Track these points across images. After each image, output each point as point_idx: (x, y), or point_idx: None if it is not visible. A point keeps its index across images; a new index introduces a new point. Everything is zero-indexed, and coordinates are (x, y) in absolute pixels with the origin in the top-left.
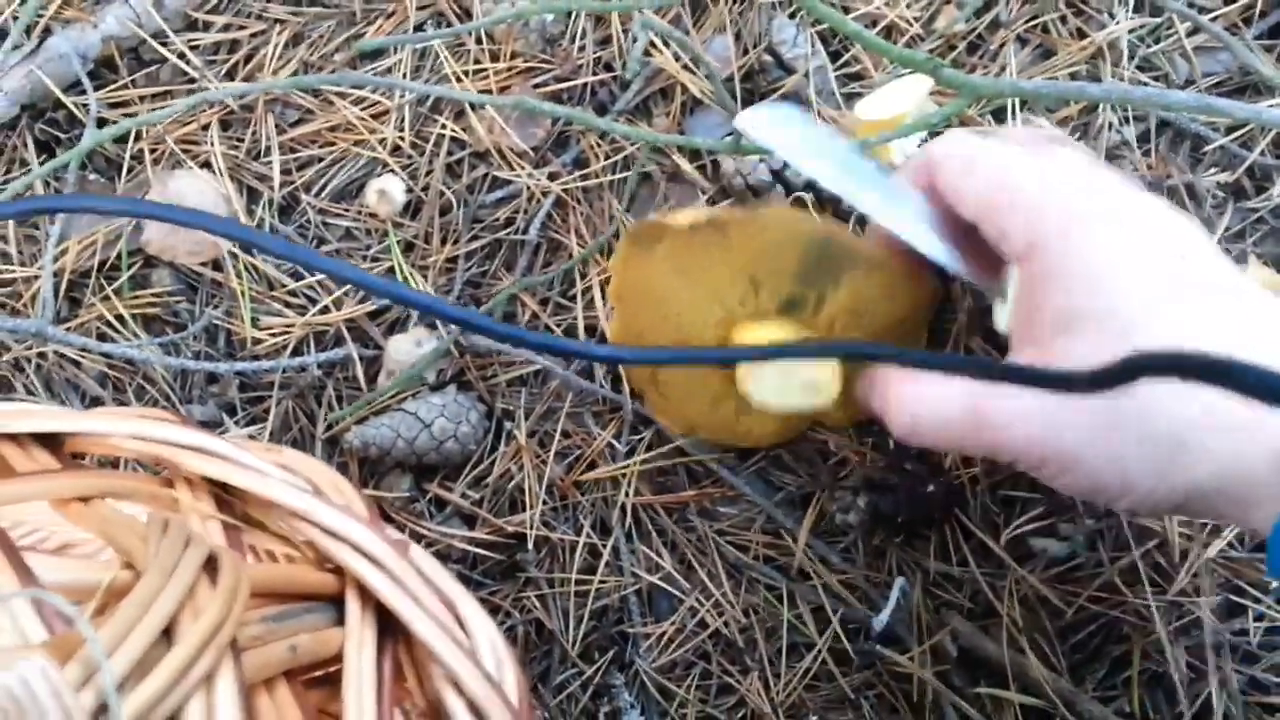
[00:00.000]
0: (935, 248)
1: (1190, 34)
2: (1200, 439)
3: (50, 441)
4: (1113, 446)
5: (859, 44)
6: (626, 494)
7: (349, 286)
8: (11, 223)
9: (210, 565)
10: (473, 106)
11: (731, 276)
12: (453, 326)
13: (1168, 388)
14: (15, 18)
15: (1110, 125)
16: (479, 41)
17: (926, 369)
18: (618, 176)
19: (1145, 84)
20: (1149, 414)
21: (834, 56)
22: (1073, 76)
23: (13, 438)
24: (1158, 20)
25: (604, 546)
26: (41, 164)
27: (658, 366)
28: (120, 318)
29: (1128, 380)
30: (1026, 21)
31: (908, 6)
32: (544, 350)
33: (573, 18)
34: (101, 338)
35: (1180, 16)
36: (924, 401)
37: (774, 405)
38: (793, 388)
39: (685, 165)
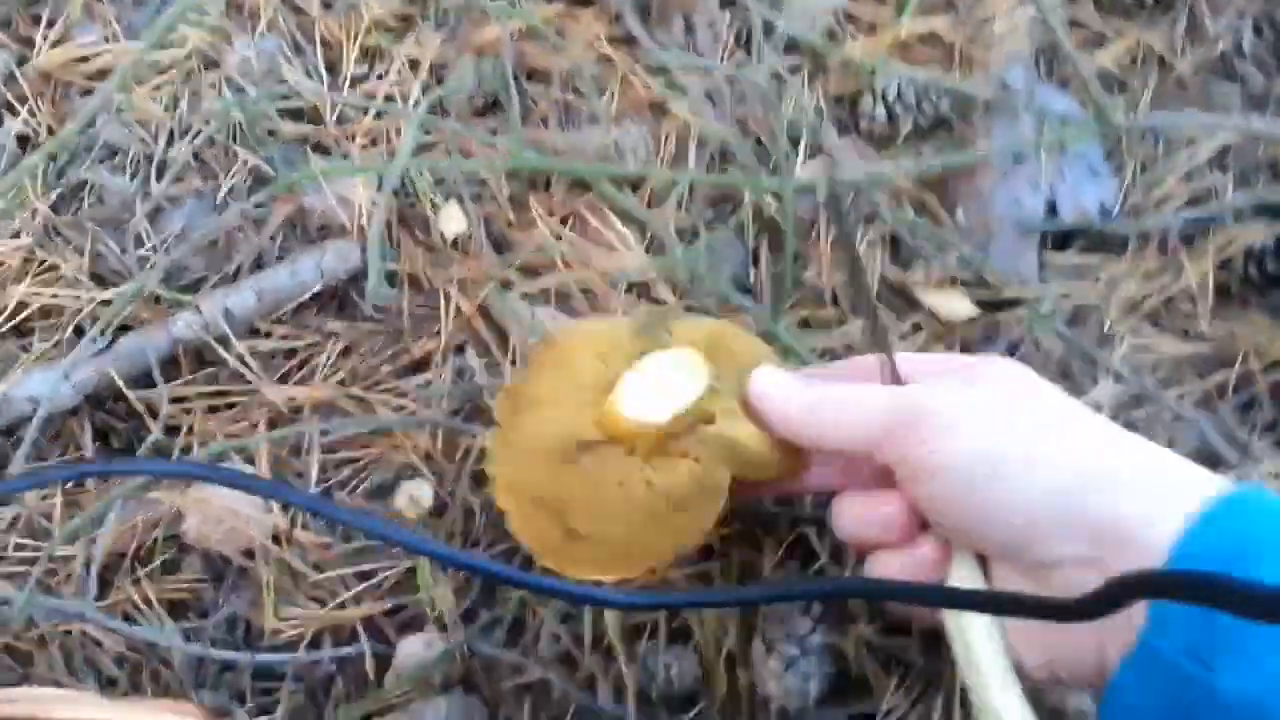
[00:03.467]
0: None
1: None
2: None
3: None
4: None
5: None
6: None
7: (368, 583)
8: (58, 500)
9: None
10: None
11: (575, 374)
12: (461, 633)
13: None
14: (94, 318)
15: None
16: (513, 362)
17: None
18: None
19: None
20: None
21: None
22: None
23: None
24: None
25: None
26: (95, 451)
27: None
28: (148, 600)
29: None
30: None
31: None
32: (563, 596)
33: None
34: (127, 619)
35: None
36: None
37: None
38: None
39: None
